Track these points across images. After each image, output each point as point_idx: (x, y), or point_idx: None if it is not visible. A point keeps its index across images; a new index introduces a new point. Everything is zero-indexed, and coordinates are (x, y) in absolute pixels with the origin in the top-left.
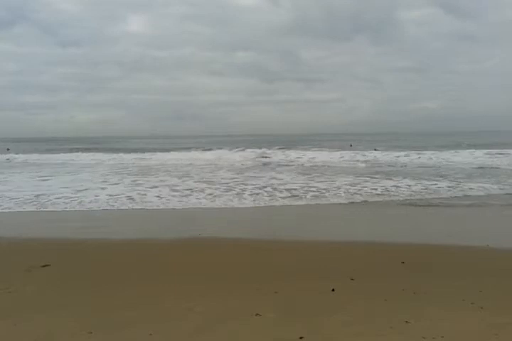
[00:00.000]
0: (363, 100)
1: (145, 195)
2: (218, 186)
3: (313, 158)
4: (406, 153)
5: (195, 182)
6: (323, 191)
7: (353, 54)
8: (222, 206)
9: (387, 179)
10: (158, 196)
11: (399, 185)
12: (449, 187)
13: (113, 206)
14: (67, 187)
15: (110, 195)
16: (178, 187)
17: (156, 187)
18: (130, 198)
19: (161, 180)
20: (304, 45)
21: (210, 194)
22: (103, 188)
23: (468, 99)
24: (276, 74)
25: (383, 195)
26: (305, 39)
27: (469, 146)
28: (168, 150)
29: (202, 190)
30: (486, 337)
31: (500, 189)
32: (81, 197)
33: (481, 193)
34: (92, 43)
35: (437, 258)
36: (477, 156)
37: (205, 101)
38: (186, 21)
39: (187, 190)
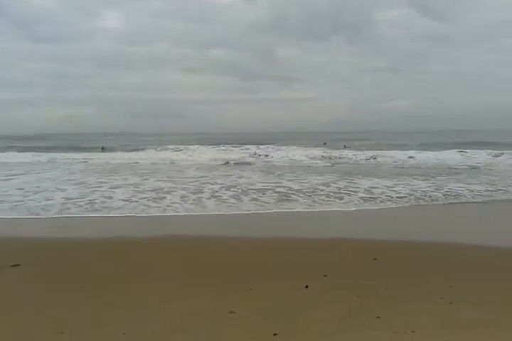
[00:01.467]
0: (339, 99)
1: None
2: (178, 185)
3: (282, 157)
4: (374, 151)
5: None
6: (295, 191)
7: (330, 53)
8: (193, 212)
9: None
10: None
11: (370, 184)
12: (426, 185)
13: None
14: None
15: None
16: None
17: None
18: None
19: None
20: (281, 44)
21: (184, 196)
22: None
23: (441, 99)
24: (253, 73)
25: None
26: (282, 37)
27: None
28: (138, 149)
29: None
30: (455, 331)
31: (470, 189)
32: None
33: (450, 190)
34: (67, 39)
35: (408, 254)
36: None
37: (180, 99)
38: (162, 17)
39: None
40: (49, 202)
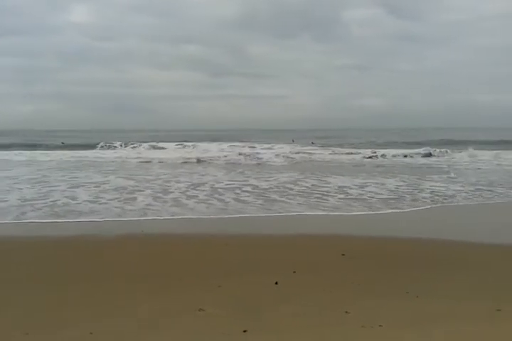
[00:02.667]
0: (310, 97)
1: None
2: (143, 184)
3: (250, 153)
4: (342, 149)
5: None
6: (264, 189)
7: (301, 51)
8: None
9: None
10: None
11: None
12: (376, 183)
13: None
14: None
15: None
16: None
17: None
18: None
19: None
20: (252, 41)
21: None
22: None
23: (409, 97)
24: (224, 69)
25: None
26: (253, 34)
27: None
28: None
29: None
30: (421, 324)
31: (446, 185)
32: None
33: (412, 188)
34: (33, 33)
35: (376, 249)
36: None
37: (150, 95)
38: (132, 12)
39: None
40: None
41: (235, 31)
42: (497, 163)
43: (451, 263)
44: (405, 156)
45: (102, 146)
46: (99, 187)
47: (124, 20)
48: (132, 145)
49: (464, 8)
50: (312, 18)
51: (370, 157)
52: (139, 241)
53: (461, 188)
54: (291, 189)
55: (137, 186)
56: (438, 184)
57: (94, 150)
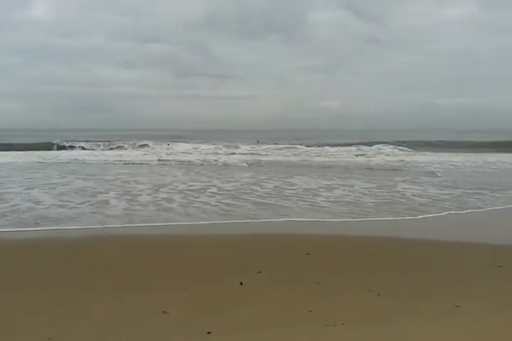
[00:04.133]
0: (274, 98)
1: None
2: (106, 185)
3: (214, 153)
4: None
5: None
6: (228, 190)
7: (266, 52)
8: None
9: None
10: None
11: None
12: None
13: None
14: None
15: None
16: None
17: None
18: None
19: None
20: (218, 41)
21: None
22: None
23: (370, 99)
24: (189, 69)
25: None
26: (218, 35)
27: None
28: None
29: None
30: (382, 321)
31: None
32: None
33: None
34: None
35: (339, 249)
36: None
37: (113, 94)
38: (94, 9)
39: None
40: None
41: (200, 31)
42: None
43: (412, 262)
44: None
45: (69, 146)
46: (54, 189)
47: (88, 17)
48: (96, 145)
49: (424, 14)
50: (278, 20)
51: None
52: (101, 244)
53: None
54: (256, 190)
55: (98, 188)
56: (364, 184)
57: (52, 152)
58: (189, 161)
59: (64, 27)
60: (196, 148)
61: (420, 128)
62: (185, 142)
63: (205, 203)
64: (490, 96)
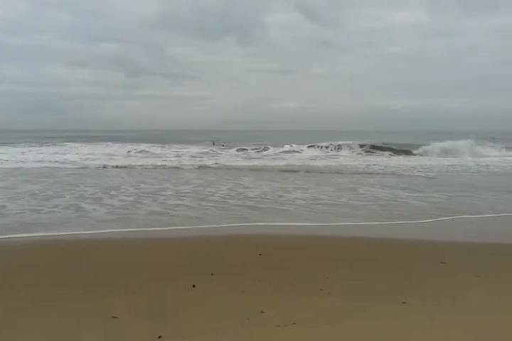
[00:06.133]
0: (230, 99)
1: None
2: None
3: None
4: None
5: None
6: (181, 192)
7: (221, 53)
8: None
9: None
10: None
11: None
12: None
13: None
14: None
15: None
16: None
17: None
18: None
19: None
20: (172, 41)
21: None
22: None
23: (323, 100)
24: (143, 69)
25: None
26: (173, 35)
27: None
28: None
29: None
30: (332, 320)
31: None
32: None
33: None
34: None
35: (292, 249)
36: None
37: (65, 93)
38: (45, 7)
39: None
40: None
41: (154, 31)
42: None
43: (360, 260)
44: None
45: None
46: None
47: (38, 15)
48: (43, 146)
49: (376, 18)
50: (234, 22)
51: None
52: (43, 246)
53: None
54: (209, 191)
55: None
56: (319, 186)
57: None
58: (142, 165)
59: (13, 25)
60: (147, 149)
61: (372, 131)
62: (139, 143)
63: (154, 207)
64: (438, 98)
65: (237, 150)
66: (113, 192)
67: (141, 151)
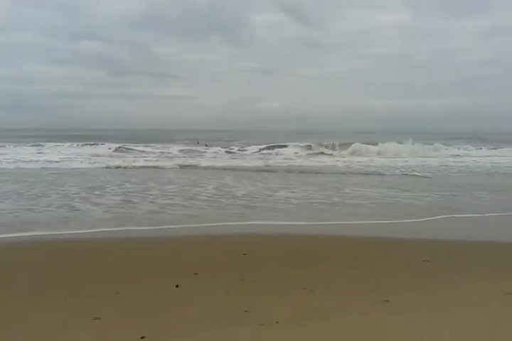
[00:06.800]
0: (216, 98)
1: None
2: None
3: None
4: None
5: None
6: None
7: (207, 53)
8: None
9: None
10: None
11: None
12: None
13: None
14: None
15: None
16: None
17: None
18: None
19: None
20: (157, 40)
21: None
22: None
23: (308, 100)
24: (126, 67)
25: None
26: (158, 33)
27: None
28: None
29: None
30: (315, 318)
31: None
32: None
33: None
34: None
35: (275, 248)
36: None
37: (46, 92)
38: (26, 4)
39: None
40: None
41: (138, 29)
42: None
43: (342, 259)
44: None
45: None
46: None
47: (17, 12)
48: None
49: (362, 19)
50: (219, 21)
51: None
52: (28, 251)
53: None
54: (193, 191)
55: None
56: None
57: None
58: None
59: None
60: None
61: (355, 130)
62: (119, 142)
63: (138, 207)
64: (423, 99)
65: (218, 151)
66: (97, 192)
67: (125, 150)
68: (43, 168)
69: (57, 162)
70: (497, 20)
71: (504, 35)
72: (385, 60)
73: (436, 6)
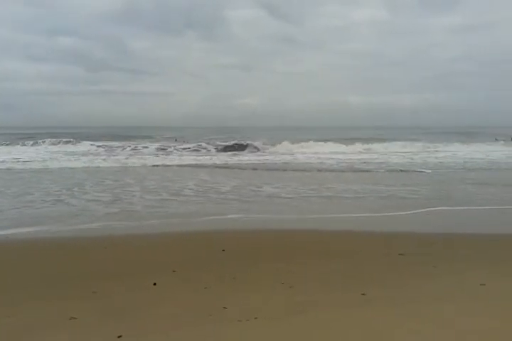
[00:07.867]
0: (193, 94)
1: None
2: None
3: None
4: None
5: None
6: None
7: (183, 48)
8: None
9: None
10: None
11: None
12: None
13: None
14: None
15: None
16: None
17: None
18: None
19: None
20: (134, 35)
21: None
22: None
23: (286, 97)
24: (102, 63)
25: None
26: (133, 29)
27: None
28: None
29: None
30: (294, 313)
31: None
32: None
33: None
34: None
35: (254, 244)
36: None
37: (20, 89)
38: None
39: None
40: None
41: (113, 25)
42: None
43: (320, 253)
44: None
45: None
46: None
47: None
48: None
49: (339, 16)
50: (196, 17)
51: None
52: (4, 249)
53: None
54: (171, 189)
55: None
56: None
57: None
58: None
59: None
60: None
61: (333, 126)
62: (94, 140)
63: (113, 204)
64: (399, 95)
65: (194, 148)
66: (75, 189)
67: (100, 148)
68: (8, 168)
69: (30, 162)
70: (469, 17)
71: (475, 31)
72: (362, 56)
73: (412, 3)
